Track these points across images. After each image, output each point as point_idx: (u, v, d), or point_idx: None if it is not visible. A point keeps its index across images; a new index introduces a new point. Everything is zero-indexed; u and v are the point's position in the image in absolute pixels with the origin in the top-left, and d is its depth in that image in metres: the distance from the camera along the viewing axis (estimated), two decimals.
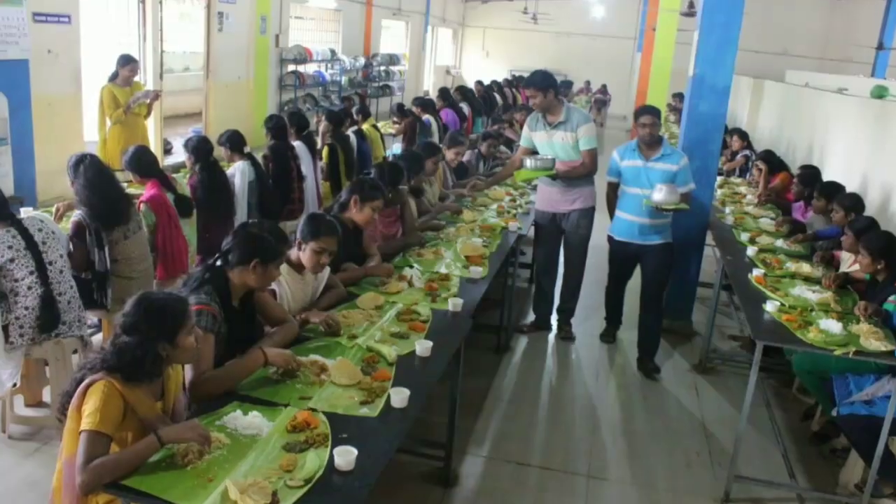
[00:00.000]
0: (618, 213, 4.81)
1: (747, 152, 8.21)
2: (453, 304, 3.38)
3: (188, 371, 2.44)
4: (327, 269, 3.31)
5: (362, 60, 15.65)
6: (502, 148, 7.86)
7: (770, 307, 3.60)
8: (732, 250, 4.71)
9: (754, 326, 3.45)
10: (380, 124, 8.85)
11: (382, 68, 16.73)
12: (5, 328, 3.27)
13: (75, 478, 1.93)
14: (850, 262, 4.13)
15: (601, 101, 19.27)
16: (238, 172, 5.13)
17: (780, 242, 4.86)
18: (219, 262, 2.71)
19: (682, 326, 5.47)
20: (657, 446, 3.92)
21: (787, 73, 14.51)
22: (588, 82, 21.24)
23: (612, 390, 4.60)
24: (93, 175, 3.69)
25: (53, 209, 4.16)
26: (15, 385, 3.51)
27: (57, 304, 3.33)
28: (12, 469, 3.27)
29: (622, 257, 4.88)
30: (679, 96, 13.65)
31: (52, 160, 6.40)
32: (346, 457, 2.07)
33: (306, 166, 5.92)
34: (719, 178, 7.00)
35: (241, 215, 5.06)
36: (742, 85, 12.40)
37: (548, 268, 5.21)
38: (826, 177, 5.62)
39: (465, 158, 6.52)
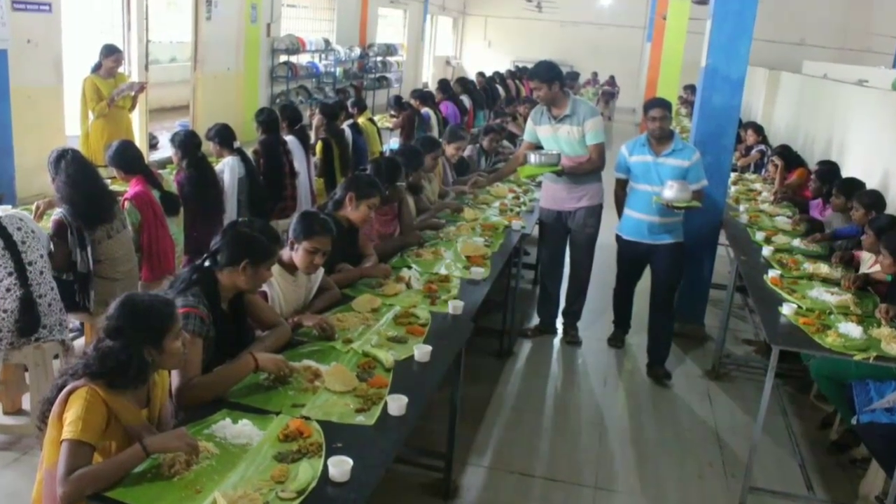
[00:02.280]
0: (626, 211, 4.81)
1: (762, 147, 8.22)
2: (453, 306, 3.39)
3: (175, 377, 2.44)
4: (321, 270, 3.31)
5: (358, 51, 15.64)
6: (505, 143, 7.87)
7: (786, 310, 3.61)
8: (747, 250, 4.71)
9: (770, 330, 3.46)
10: (376, 118, 8.86)
11: (379, 59, 16.73)
12: None
13: (56, 489, 1.93)
14: (871, 263, 4.13)
15: (609, 94, 19.28)
16: (227, 168, 5.14)
17: (796, 242, 4.86)
18: (207, 263, 2.71)
19: (694, 330, 5.48)
20: (668, 456, 3.92)
21: (805, 64, 14.51)
22: (595, 74, 21.26)
23: (621, 397, 4.61)
24: (75, 171, 3.69)
25: (33, 207, 4.17)
26: None
27: (37, 306, 3.33)
28: None
29: (631, 257, 4.88)
30: (691, 88, 13.65)
31: (32, 155, 6.40)
32: (340, 467, 2.07)
33: (299, 162, 5.92)
34: (733, 175, 7.01)
35: (230, 213, 5.06)
36: (757, 76, 12.40)
37: (553, 268, 5.22)
38: (845, 173, 5.62)
39: (465, 154, 6.52)
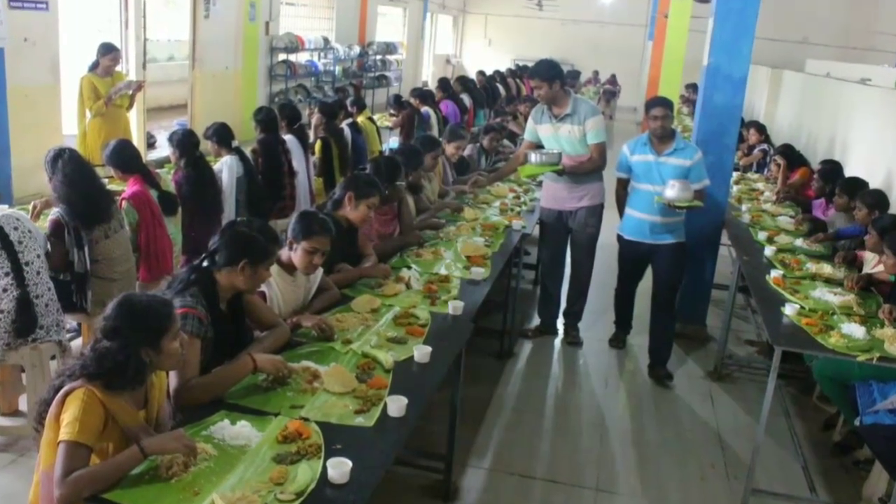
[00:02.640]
0: (628, 210, 4.81)
1: (765, 146, 8.22)
2: (453, 307, 3.38)
3: (173, 378, 2.44)
4: (320, 271, 3.31)
5: (357, 49, 15.64)
6: (505, 142, 7.86)
7: (789, 310, 3.60)
8: (749, 250, 4.71)
9: (772, 331, 3.46)
10: (376, 117, 8.86)
11: (379, 57, 16.73)
12: None
13: (53, 491, 1.93)
14: (874, 263, 4.13)
15: (610, 93, 19.27)
16: (226, 168, 5.14)
17: (799, 242, 4.86)
18: (205, 263, 2.71)
19: (696, 331, 5.48)
20: (669, 458, 3.92)
21: (807, 63, 14.53)
22: (596, 72, 21.26)
23: (622, 398, 4.61)
24: (72, 170, 3.69)
25: (30, 206, 4.17)
26: None
27: (34, 307, 3.33)
28: None
29: (632, 258, 4.88)
30: (693, 87, 13.65)
31: (29, 155, 6.40)
32: (339, 469, 2.07)
33: (298, 161, 5.92)
34: (735, 174, 7.00)
35: (228, 213, 5.06)
36: (759, 75, 12.39)
37: (553, 269, 5.22)
38: (848, 172, 5.62)
39: (466, 153, 6.52)
